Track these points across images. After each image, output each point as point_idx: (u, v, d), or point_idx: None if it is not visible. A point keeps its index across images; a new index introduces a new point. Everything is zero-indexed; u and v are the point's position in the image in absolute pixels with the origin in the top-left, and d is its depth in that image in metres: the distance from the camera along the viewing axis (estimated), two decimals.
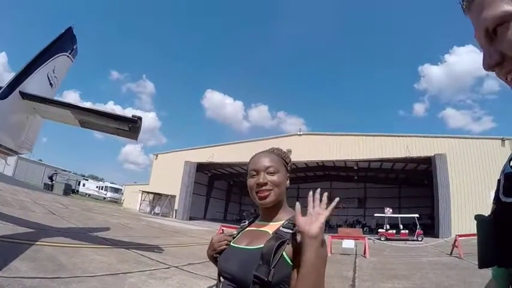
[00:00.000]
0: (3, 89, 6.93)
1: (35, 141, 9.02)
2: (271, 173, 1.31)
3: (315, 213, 1.12)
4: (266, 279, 1.05)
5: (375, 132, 29.34)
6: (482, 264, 0.93)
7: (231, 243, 1.34)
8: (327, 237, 15.22)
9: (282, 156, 1.42)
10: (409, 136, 27.53)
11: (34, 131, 8.73)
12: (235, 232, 1.43)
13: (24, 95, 7.32)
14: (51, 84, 8.93)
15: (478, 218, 0.96)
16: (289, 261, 1.13)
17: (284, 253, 1.13)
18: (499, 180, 0.90)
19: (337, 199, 1.17)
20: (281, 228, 1.22)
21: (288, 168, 1.42)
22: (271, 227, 1.28)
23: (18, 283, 4.44)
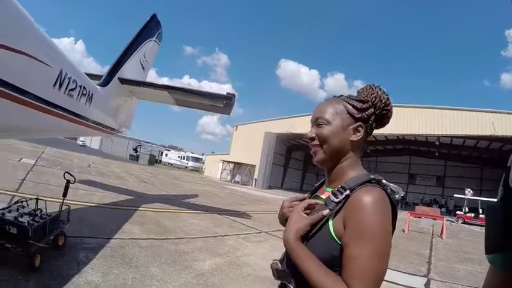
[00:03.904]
0: (104, 77, 7.88)
1: (133, 120, 10.17)
2: (320, 125, 1.10)
3: (299, 215, 1.02)
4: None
5: (458, 106, 26.87)
6: (489, 250, 0.93)
7: None
8: (406, 214, 14.97)
9: (351, 102, 1.11)
10: (496, 112, 24.67)
11: (131, 111, 9.84)
12: (306, 195, 1.24)
13: (123, 81, 8.23)
14: (143, 68, 9.87)
15: (487, 204, 0.97)
16: (334, 236, 0.94)
17: (330, 226, 0.96)
18: (508, 167, 0.89)
19: (326, 212, 0.97)
20: (330, 195, 1.02)
21: (362, 115, 1.10)
22: (327, 194, 1.07)
23: (135, 243, 5.31)
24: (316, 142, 1.10)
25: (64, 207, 4.43)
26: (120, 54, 8.50)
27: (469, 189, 23.96)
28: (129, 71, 8.66)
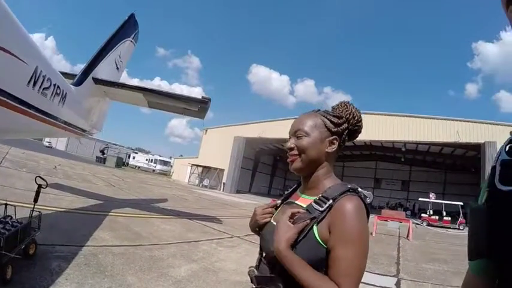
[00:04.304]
0: (78, 76, 7.60)
1: (104, 121, 9.85)
2: (299, 136, 1.19)
3: (286, 225, 1.06)
4: None
5: (424, 114, 28.17)
6: (472, 255, 0.89)
7: (271, 220, 1.26)
8: (373, 217, 15.43)
9: (328, 117, 1.21)
10: (460, 120, 26.17)
11: (103, 112, 9.52)
12: (279, 201, 1.34)
13: (97, 81, 7.96)
14: (117, 68, 9.59)
15: (471, 205, 0.91)
16: (320, 241, 1.03)
17: (315, 232, 1.04)
18: (493, 167, 0.86)
19: (307, 222, 1.05)
20: (313, 203, 1.10)
21: (338, 129, 1.20)
22: (306, 201, 1.16)
23: (108, 251, 5.13)
24: (295, 152, 1.18)
25: (34, 213, 4.19)
26: (95, 53, 8.24)
27: (433, 194, 25.09)
28: (103, 71, 8.41)
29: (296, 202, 1.21)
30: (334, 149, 1.19)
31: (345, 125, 1.22)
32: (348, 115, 1.22)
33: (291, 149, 1.19)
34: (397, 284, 6.06)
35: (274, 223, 1.19)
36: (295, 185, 1.35)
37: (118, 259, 4.80)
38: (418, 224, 21.59)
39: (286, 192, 1.38)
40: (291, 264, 0.99)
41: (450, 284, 6.41)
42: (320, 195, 1.09)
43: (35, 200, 4.19)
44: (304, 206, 1.13)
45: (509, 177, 0.80)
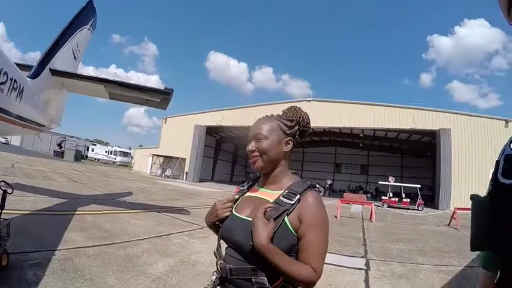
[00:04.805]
0: (34, 68, 7.10)
1: (62, 115, 9.32)
2: (259, 140, 1.33)
3: (263, 220, 1.16)
4: None
5: (381, 102, 29.55)
6: (474, 247, 0.93)
7: (233, 211, 1.36)
8: (337, 201, 16.15)
9: (282, 121, 1.39)
10: (416, 109, 27.81)
11: (62, 105, 9.01)
12: (237, 196, 1.45)
13: (54, 72, 7.49)
14: (75, 57, 9.07)
15: (474, 198, 0.93)
16: (292, 230, 1.18)
17: (287, 222, 1.19)
18: (497, 162, 0.89)
19: (271, 222, 1.16)
20: (281, 197, 1.25)
21: (291, 131, 1.39)
22: (272, 196, 1.30)
23: (81, 253, 4.91)
24: (257, 154, 1.34)
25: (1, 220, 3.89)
26: (52, 43, 7.76)
27: (392, 177, 26.33)
28: (60, 61, 7.94)
29: (260, 196, 1.35)
30: (289, 148, 1.38)
31: (297, 127, 1.42)
32: (299, 118, 1.42)
33: (253, 151, 1.35)
34: (367, 264, 6.33)
35: (240, 215, 1.31)
36: (251, 182, 1.51)
37: (93, 261, 4.64)
38: (379, 206, 22.70)
39: (242, 188, 1.50)
40: (273, 256, 1.11)
41: (415, 262, 6.82)
42: (287, 191, 1.26)
43: (1, 207, 3.88)
44: (270, 199, 1.28)
45: None
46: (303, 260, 1.17)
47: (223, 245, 1.37)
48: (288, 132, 1.38)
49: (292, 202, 1.21)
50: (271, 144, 1.33)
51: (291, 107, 1.48)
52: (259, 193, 1.38)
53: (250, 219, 1.22)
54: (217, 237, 1.40)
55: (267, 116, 1.45)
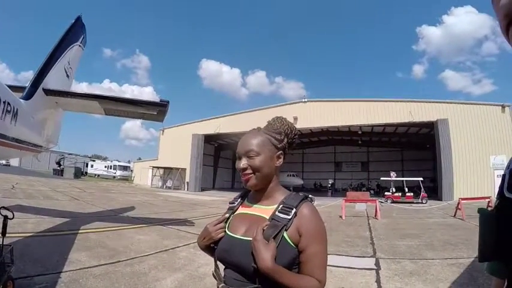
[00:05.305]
0: (27, 89, 7.04)
1: (59, 133, 9.26)
2: (250, 156, 1.28)
3: (263, 242, 1.12)
4: None
5: (377, 98, 29.64)
6: (482, 258, 0.95)
7: (227, 231, 1.31)
8: (341, 201, 16.01)
9: (272, 134, 1.33)
10: (412, 101, 27.78)
11: (58, 124, 8.94)
12: (227, 215, 1.39)
13: (48, 92, 7.43)
14: (68, 75, 9.02)
15: (481, 211, 0.95)
16: (292, 244, 1.16)
17: (286, 237, 1.16)
18: (503, 176, 0.90)
19: (272, 241, 1.13)
20: (277, 213, 1.22)
21: (282, 144, 1.34)
22: (266, 212, 1.27)
23: (88, 273, 4.84)
24: (249, 171, 1.28)
25: (5, 246, 3.80)
26: (43, 62, 7.70)
27: (393, 172, 26.09)
28: (53, 80, 7.87)
29: (254, 213, 1.31)
30: (281, 163, 1.35)
31: (286, 140, 1.36)
32: (287, 129, 1.36)
33: (245, 169, 1.28)
34: (377, 263, 6.25)
35: (235, 235, 1.26)
36: (239, 199, 1.44)
37: (100, 281, 4.56)
38: (382, 202, 22.61)
39: (231, 206, 1.44)
40: (281, 276, 1.09)
41: (425, 257, 6.75)
42: (282, 206, 1.23)
43: (3, 234, 3.80)
44: (266, 215, 1.24)
45: None
46: (306, 272, 1.17)
47: (221, 266, 1.31)
48: (279, 146, 1.34)
49: (289, 217, 1.19)
50: (264, 160, 1.28)
51: (277, 117, 1.43)
52: (253, 209, 1.34)
53: (247, 238, 1.19)
54: (213, 258, 1.33)
55: (254, 129, 1.39)
